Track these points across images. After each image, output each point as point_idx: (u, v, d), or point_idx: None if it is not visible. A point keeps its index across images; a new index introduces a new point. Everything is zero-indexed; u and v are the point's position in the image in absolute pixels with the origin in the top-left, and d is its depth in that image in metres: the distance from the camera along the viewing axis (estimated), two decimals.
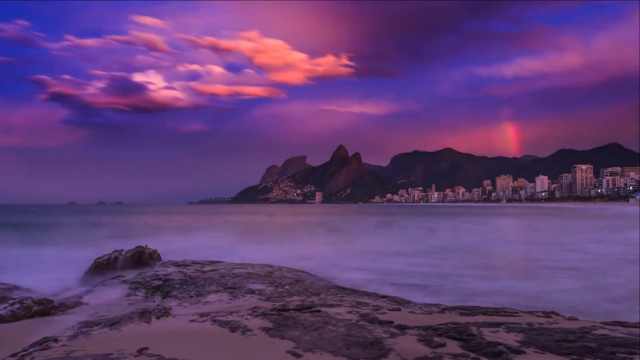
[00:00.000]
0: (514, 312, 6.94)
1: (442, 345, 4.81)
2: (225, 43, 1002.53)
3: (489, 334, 5.15)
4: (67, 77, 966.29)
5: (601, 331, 5.23)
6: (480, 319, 6.41)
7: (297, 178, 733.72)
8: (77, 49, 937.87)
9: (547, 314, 6.87)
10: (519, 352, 4.48)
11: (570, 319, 6.52)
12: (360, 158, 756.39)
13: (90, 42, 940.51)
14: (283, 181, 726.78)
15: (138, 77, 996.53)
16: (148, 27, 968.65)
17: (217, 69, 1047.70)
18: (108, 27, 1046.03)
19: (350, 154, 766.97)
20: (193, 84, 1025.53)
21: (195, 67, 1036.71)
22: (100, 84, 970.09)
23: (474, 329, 5.26)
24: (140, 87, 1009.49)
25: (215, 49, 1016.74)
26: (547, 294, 12.36)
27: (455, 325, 5.59)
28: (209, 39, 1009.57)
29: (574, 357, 4.35)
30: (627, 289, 13.02)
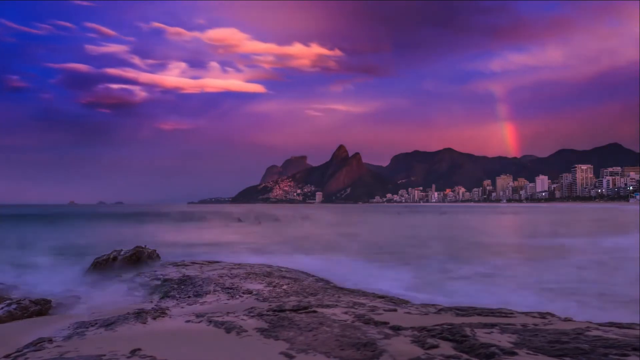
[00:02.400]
0: (509, 313, 6.96)
1: (436, 346, 4.83)
2: (175, 30, 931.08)
3: (482, 335, 5.16)
4: (19, 71, 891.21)
5: (595, 332, 5.24)
6: (476, 319, 6.42)
7: (297, 178, 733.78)
8: (19, 36, 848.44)
9: (543, 315, 6.88)
10: (511, 353, 4.49)
11: (566, 319, 6.53)
12: (360, 158, 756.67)
13: (28, 29, 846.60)
14: (283, 181, 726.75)
15: (94, 70, 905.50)
16: (88, 10, 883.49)
17: (177, 62, 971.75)
18: (43, 10, 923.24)
19: (350, 154, 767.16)
20: (155, 77, 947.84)
21: (152, 60, 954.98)
22: (57, 80, 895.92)
23: (467, 330, 5.27)
24: (100, 81, 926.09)
25: (170, 36, 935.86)
26: None
27: (449, 326, 5.60)
28: (158, 25, 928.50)
29: (567, 358, 4.36)
30: None
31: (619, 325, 5.81)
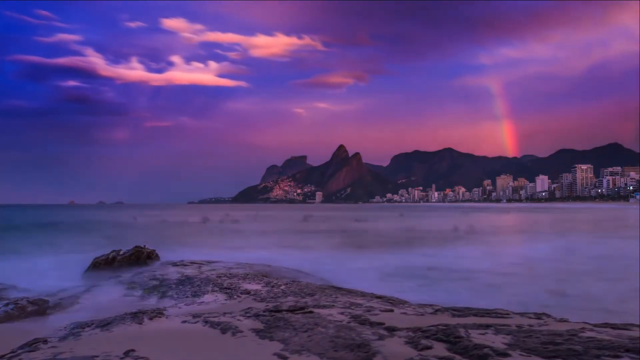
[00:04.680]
0: (505, 314, 6.96)
1: (429, 347, 4.83)
2: (127, 17, 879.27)
3: (477, 336, 5.16)
4: None
5: (589, 333, 5.24)
6: (471, 320, 6.42)
7: (297, 178, 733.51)
8: None
9: (538, 316, 6.89)
10: (504, 354, 4.50)
11: (561, 320, 6.53)
12: (360, 158, 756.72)
13: None
14: (283, 181, 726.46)
15: (50, 61, 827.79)
16: None
17: (136, 54, 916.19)
18: None
19: (350, 154, 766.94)
20: (117, 70, 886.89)
21: (109, 52, 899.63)
22: (13, 73, 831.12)
23: (462, 331, 5.28)
24: (57, 74, 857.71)
25: (125, 26, 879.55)
26: None
27: (444, 327, 5.60)
28: (110, 15, 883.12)
29: None
30: None
31: (614, 326, 5.81)
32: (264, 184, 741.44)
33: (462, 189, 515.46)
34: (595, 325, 5.88)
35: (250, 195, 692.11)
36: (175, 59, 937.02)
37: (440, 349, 4.81)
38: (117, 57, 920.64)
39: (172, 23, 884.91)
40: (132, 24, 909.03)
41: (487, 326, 5.79)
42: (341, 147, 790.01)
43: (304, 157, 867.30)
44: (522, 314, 7.03)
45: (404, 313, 7.37)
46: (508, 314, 6.95)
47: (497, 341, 4.98)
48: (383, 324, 6.18)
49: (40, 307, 9.20)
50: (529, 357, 4.43)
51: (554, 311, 7.59)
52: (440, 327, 5.70)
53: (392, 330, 5.72)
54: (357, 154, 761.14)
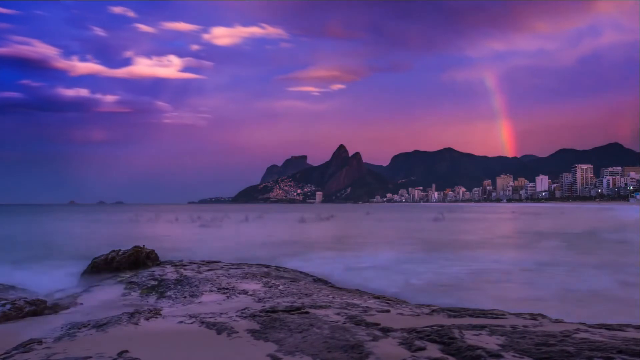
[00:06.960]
0: (500, 314, 6.97)
1: (423, 348, 4.84)
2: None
3: (471, 337, 5.17)
4: None
5: (582, 334, 5.25)
6: (467, 321, 6.44)
7: (297, 178, 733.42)
8: None
9: (534, 316, 6.91)
10: (497, 356, 4.51)
11: (556, 321, 6.55)
12: (360, 158, 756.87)
13: None
14: (283, 181, 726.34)
15: (29, 51, 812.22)
16: None
17: (88, 49, 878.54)
18: None
19: (347, 154, 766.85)
20: (69, 62, 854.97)
21: (57, 45, 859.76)
22: None
23: (456, 332, 5.28)
24: (7, 68, 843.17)
25: (73, 15, 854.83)
26: None
27: (439, 328, 5.61)
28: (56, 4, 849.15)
29: None
30: None
31: (609, 327, 5.82)
32: (264, 184, 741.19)
33: (462, 189, 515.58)
34: (590, 326, 5.90)
35: (251, 195, 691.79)
36: (132, 52, 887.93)
37: (433, 350, 4.82)
38: (68, 48, 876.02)
39: (120, 10, 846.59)
40: (78, 11, 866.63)
41: (482, 327, 5.79)
42: (341, 147, 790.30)
43: (304, 157, 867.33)
44: (517, 315, 7.04)
45: (400, 313, 7.38)
46: (504, 315, 6.96)
47: (491, 342, 4.99)
48: (378, 324, 6.18)
49: (37, 308, 9.19)
50: (521, 359, 4.45)
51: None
52: (435, 327, 5.71)
53: (387, 331, 5.73)
54: (357, 154, 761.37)
